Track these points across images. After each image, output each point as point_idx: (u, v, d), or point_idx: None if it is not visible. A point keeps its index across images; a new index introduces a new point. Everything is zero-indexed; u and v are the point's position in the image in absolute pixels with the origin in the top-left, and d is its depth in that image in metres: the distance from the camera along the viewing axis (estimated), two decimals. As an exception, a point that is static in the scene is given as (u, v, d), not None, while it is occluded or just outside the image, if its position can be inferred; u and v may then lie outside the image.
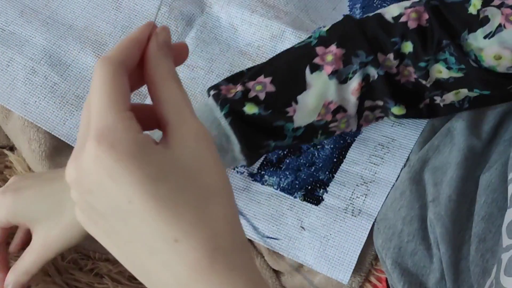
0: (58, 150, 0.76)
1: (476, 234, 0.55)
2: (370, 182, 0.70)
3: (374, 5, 0.84)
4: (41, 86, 0.76)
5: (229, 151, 0.61)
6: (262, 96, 0.60)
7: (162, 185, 0.34)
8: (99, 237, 0.37)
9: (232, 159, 0.62)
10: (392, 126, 0.74)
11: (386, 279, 0.69)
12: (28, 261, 0.60)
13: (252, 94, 0.60)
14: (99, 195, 0.34)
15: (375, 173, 0.71)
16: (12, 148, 0.82)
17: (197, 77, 0.79)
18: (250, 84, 0.61)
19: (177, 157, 0.35)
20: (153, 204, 0.33)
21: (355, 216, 0.69)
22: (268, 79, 0.61)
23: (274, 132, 0.61)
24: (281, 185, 0.72)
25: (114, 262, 0.77)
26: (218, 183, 0.36)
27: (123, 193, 0.34)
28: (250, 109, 0.60)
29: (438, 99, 0.64)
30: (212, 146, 0.36)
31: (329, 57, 0.60)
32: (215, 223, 0.35)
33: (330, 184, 0.72)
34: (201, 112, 0.60)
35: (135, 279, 0.77)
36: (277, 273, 0.74)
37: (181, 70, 0.80)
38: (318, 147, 0.74)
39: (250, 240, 0.73)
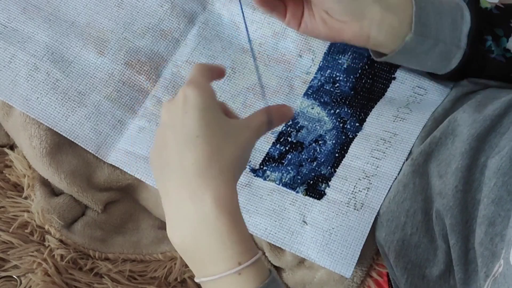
0: (60, 147, 0.76)
1: (485, 216, 0.55)
2: (372, 176, 0.70)
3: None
4: (43, 82, 0.76)
5: (458, 29, 0.67)
6: None
7: (216, 121, 0.51)
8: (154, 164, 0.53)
9: (454, 42, 0.67)
10: (394, 121, 0.74)
11: (388, 273, 0.69)
12: None
13: None
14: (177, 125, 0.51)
15: (377, 167, 0.71)
16: (12, 147, 0.82)
17: (199, 74, 0.80)
18: None
19: (227, 120, 0.52)
20: (203, 129, 0.50)
21: (357, 210, 0.69)
22: None
23: (496, 25, 0.67)
24: (283, 180, 0.72)
25: (114, 261, 0.77)
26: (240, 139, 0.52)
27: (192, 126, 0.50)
28: (484, 2, 0.67)
29: None
30: (250, 136, 0.53)
31: None
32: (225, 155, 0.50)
33: (332, 178, 0.72)
34: None
35: (135, 278, 0.77)
36: (278, 269, 0.74)
37: (183, 67, 0.80)
38: (320, 142, 0.75)
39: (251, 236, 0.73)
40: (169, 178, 0.51)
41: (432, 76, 0.76)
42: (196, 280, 0.51)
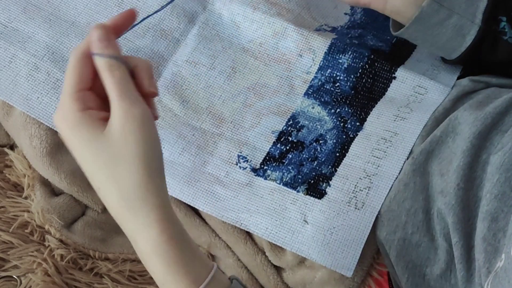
0: (60, 147, 0.76)
1: (488, 212, 0.55)
2: (373, 175, 0.70)
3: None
4: (43, 82, 0.76)
5: (474, 5, 0.67)
6: None
7: (87, 149, 0.48)
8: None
9: (469, 16, 0.68)
10: (394, 120, 0.74)
11: (388, 272, 0.69)
12: None
13: None
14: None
15: (378, 166, 0.71)
16: (12, 147, 0.82)
17: (199, 73, 0.80)
18: None
19: (105, 134, 0.48)
20: (81, 159, 0.50)
21: (358, 209, 0.69)
22: None
23: None
24: (284, 179, 0.72)
25: (114, 261, 0.77)
26: (130, 154, 0.48)
27: (71, 148, 0.50)
28: None
29: None
30: (137, 126, 0.48)
31: None
32: (122, 182, 0.48)
33: (333, 178, 0.72)
34: None
35: (135, 278, 0.77)
36: (278, 269, 0.74)
37: (183, 67, 0.80)
38: (321, 141, 0.74)
39: (250, 235, 0.73)
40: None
41: (445, 62, 0.76)
42: None
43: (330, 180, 0.72)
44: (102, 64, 0.49)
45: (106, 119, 0.49)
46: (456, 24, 0.68)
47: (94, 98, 0.51)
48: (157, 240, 0.49)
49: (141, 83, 0.51)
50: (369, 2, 0.72)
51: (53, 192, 0.78)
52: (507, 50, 0.70)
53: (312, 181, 0.72)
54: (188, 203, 0.74)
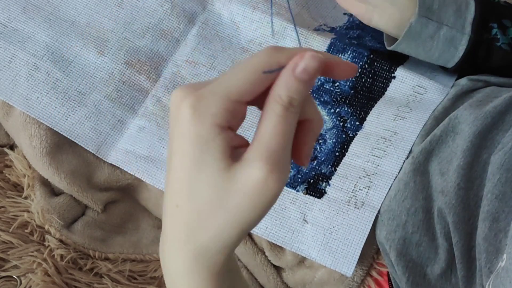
0: (59, 147, 0.76)
1: (489, 212, 0.55)
2: (373, 174, 0.70)
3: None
4: (43, 82, 0.76)
5: (462, 17, 0.69)
6: None
7: (198, 165, 0.36)
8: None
9: (459, 27, 0.69)
10: (394, 120, 0.74)
11: (388, 272, 0.69)
12: None
13: None
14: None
15: (378, 165, 0.71)
16: (12, 147, 0.82)
17: (199, 73, 0.80)
18: None
19: (230, 177, 0.36)
20: (180, 160, 0.37)
21: (358, 208, 0.69)
22: None
23: (504, 16, 0.68)
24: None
25: (114, 261, 0.77)
26: (240, 215, 0.37)
27: (176, 138, 0.37)
28: None
29: None
30: (263, 200, 0.36)
31: None
32: (214, 224, 0.38)
33: (332, 177, 0.72)
34: None
35: (135, 278, 0.77)
36: (278, 269, 0.74)
37: (183, 67, 0.80)
38: (320, 141, 0.74)
39: (249, 235, 0.73)
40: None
41: (443, 69, 0.77)
42: None
43: (330, 179, 0.72)
44: (287, 94, 0.36)
45: (236, 148, 0.38)
46: (446, 36, 0.69)
47: (240, 118, 0.38)
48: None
49: (301, 148, 0.39)
50: (357, 14, 0.74)
51: (53, 192, 0.78)
52: (501, 56, 0.70)
53: (311, 181, 0.72)
54: (188, 203, 0.74)
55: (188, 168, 0.37)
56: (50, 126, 0.75)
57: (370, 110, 0.76)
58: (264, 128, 0.36)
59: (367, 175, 0.71)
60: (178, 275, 0.40)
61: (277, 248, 0.71)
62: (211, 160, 0.36)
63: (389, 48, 0.75)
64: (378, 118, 0.75)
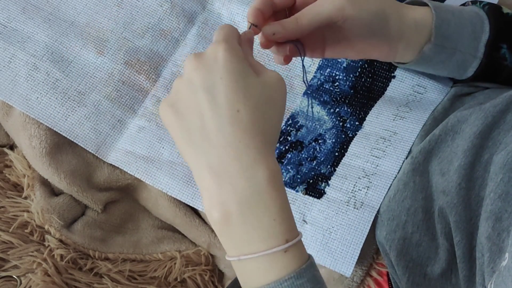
0: (59, 147, 0.76)
1: (492, 211, 0.55)
2: (372, 174, 0.70)
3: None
4: (43, 82, 0.76)
5: (477, 39, 0.67)
6: None
7: (240, 83, 0.49)
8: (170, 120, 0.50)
9: (472, 51, 0.68)
10: (393, 120, 0.74)
11: (388, 272, 0.69)
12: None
13: None
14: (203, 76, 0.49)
15: (377, 165, 0.71)
16: (12, 147, 0.82)
17: (199, 73, 0.79)
18: None
19: (261, 77, 0.51)
20: (224, 87, 0.49)
21: (357, 209, 0.69)
22: None
23: None
24: (283, 179, 0.72)
25: (114, 261, 0.77)
26: (281, 99, 0.52)
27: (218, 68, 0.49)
28: (506, 8, 0.68)
29: None
30: (284, 88, 0.52)
31: None
32: (269, 120, 0.50)
33: (331, 177, 0.72)
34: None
35: (135, 278, 0.77)
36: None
37: (182, 67, 0.80)
38: (320, 141, 0.74)
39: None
40: (209, 153, 0.48)
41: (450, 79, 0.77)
42: (229, 258, 0.49)
43: (329, 179, 0.72)
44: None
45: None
46: (458, 60, 0.68)
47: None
48: (275, 169, 0.48)
49: None
50: (378, 57, 0.69)
51: (53, 192, 0.78)
52: (508, 73, 0.70)
53: (311, 181, 0.72)
54: (188, 203, 0.74)
55: (237, 81, 0.49)
56: (50, 126, 0.75)
57: (370, 110, 0.76)
58: None
59: (366, 175, 0.71)
60: (252, 166, 0.48)
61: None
62: (249, 71, 0.50)
63: (396, 65, 0.74)
64: (377, 118, 0.75)
